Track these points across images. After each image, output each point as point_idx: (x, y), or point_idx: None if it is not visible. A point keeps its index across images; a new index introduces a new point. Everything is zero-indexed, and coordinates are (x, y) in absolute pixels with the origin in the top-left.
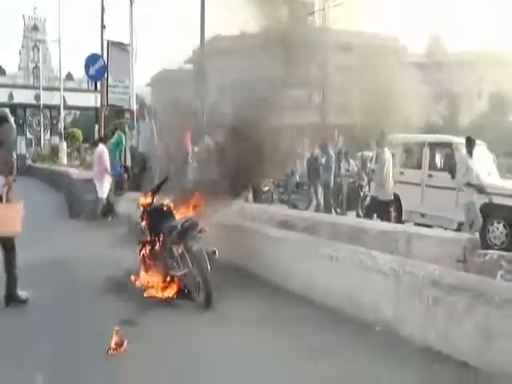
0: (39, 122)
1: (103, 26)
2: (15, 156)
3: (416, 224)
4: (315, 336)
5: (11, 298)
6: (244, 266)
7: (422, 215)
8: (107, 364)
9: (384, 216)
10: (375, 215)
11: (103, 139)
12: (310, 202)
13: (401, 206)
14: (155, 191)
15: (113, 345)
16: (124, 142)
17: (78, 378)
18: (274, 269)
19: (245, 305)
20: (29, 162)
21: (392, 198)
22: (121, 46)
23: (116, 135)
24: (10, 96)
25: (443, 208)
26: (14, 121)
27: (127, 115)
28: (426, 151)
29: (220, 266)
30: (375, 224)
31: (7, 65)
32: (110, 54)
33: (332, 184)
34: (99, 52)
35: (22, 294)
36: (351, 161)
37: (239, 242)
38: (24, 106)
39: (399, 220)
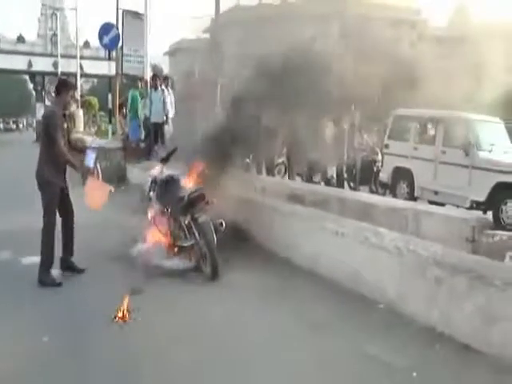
0: None
1: None
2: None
3: (429, 201)
4: (317, 310)
5: (69, 267)
6: (252, 239)
7: (435, 192)
8: (112, 331)
9: None
10: (387, 191)
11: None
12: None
13: (413, 181)
14: (164, 161)
15: (119, 313)
16: (139, 100)
17: (84, 343)
18: (282, 242)
19: (251, 277)
20: None
21: None
22: (135, 15)
23: (130, 94)
24: (29, 64)
25: (456, 186)
26: (33, 88)
27: (141, 84)
28: (441, 127)
29: (228, 238)
30: (385, 200)
31: (27, 33)
32: (124, 23)
33: (345, 158)
34: (115, 21)
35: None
36: (365, 135)
37: (248, 215)
38: (43, 74)
39: (411, 197)
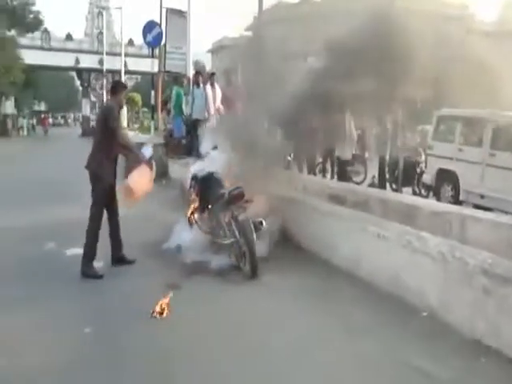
0: (102, 85)
1: None
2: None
3: (474, 205)
4: (356, 314)
5: (119, 260)
6: (292, 238)
7: (482, 196)
8: (150, 326)
9: None
10: (431, 194)
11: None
12: (366, 176)
13: (458, 184)
14: (205, 157)
15: (157, 308)
16: (183, 97)
17: (122, 337)
18: (322, 243)
19: (290, 277)
20: (93, 123)
21: None
22: (179, 13)
23: (174, 91)
24: (77, 61)
25: (506, 190)
26: (80, 84)
27: (184, 81)
28: (489, 128)
29: (267, 237)
30: (429, 203)
31: (75, 31)
32: (168, 21)
33: (388, 158)
34: (158, 19)
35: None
36: (408, 135)
37: (288, 214)
38: (89, 70)
39: (456, 200)
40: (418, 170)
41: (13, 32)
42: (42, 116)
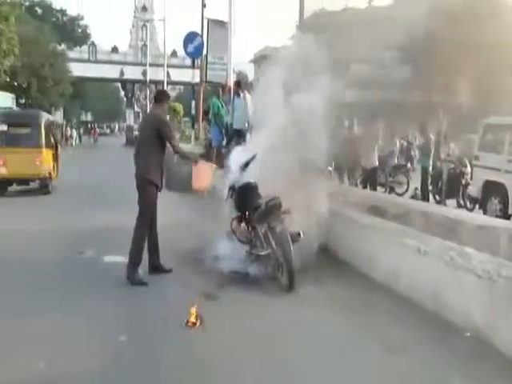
0: (146, 96)
1: (204, 5)
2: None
3: None
4: (394, 331)
5: (156, 268)
6: (330, 250)
7: None
8: (184, 335)
9: None
10: (477, 207)
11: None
12: (408, 187)
13: (507, 197)
14: (243, 168)
15: (192, 317)
16: (221, 106)
17: (156, 345)
18: (360, 256)
19: (327, 290)
20: (136, 132)
21: None
22: (220, 24)
23: (212, 100)
24: (121, 72)
25: None
26: (125, 95)
27: (219, 91)
28: None
29: (305, 248)
30: (474, 217)
31: (120, 43)
32: (209, 31)
33: (431, 169)
34: (200, 30)
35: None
36: (451, 144)
37: (326, 225)
38: (133, 82)
39: (505, 214)
40: (463, 182)
41: (63, 46)
42: (89, 126)
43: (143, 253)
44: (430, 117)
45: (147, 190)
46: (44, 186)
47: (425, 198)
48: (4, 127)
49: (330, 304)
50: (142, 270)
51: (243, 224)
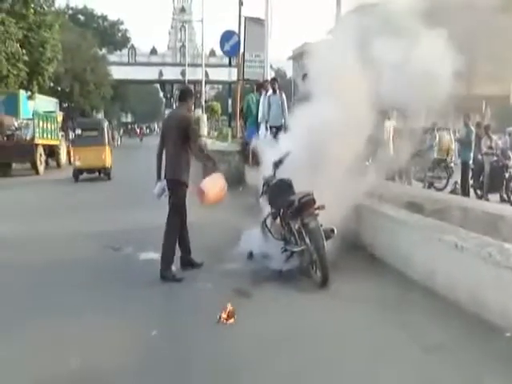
0: None
1: (241, 3)
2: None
3: None
4: (431, 330)
5: (187, 264)
6: (365, 247)
7: None
8: (216, 331)
9: None
10: None
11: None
12: (448, 182)
13: None
14: (277, 165)
15: (224, 314)
16: (255, 101)
17: (188, 341)
18: (395, 252)
19: (361, 287)
20: None
21: None
22: (257, 21)
23: (247, 98)
24: (160, 73)
25: None
26: (163, 95)
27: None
28: None
29: (340, 245)
30: None
31: (158, 45)
32: (246, 29)
33: (472, 162)
34: (237, 28)
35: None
36: (494, 137)
37: (361, 222)
38: (171, 82)
39: None
40: (507, 175)
41: (104, 50)
42: (129, 127)
43: (175, 250)
44: (472, 108)
45: (179, 189)
46: (107, 174)
47: (465, 193)
48: (79, 131)
49: (363, 301)
50: (175, 266)
51: (277, 221)
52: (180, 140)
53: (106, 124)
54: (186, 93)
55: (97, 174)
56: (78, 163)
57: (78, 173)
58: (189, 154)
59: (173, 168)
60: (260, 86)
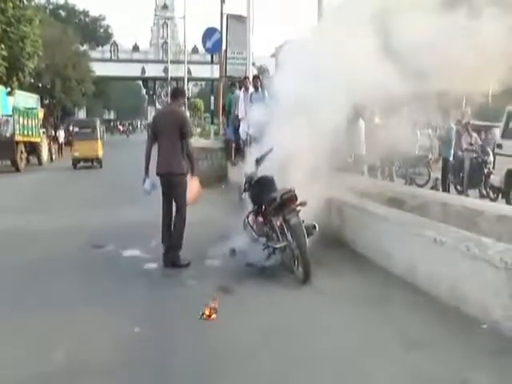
0: (167, 93)
1: (223, 0)
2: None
3: None
4: (412, 325)
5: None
6: (346, 243)
7: None
8: (198, 328)
9: None
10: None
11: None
12: (429, 178)
13: None
14: (259, 161)
15: (206, 311)
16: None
17: (170, 338)
18: (377, 248)
19: (344, 283)
20: None
21: None
22: (239, 19)
23: (228, 95)
24: (143, 70)
25: None
26: (146, 92)
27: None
28: None
29: (321, 241)
30: (495, 207)
31: (141, 42)
32: (228, 26)
33: (452, 159)
34: (219, 26)
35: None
36: (474, 134)
37: (342, 218)
38: (154, 79)
39: None
40: (486, 171)
41: (85, 46)
42: (112, 124)
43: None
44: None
45: (182, 183)
46: (99, 162)
47: (445, 189)
48: (76, 129)
49: (346, 297)
50: (158, 264)
51: (259, 217)
52: (176, 136)
53: (98, 122)
54: (179, 91)
55: (90, 163)
56: (76, 154)
57: (76, 162)
58: (183, 150)
59: (169, 161)
60: (240, 83)
